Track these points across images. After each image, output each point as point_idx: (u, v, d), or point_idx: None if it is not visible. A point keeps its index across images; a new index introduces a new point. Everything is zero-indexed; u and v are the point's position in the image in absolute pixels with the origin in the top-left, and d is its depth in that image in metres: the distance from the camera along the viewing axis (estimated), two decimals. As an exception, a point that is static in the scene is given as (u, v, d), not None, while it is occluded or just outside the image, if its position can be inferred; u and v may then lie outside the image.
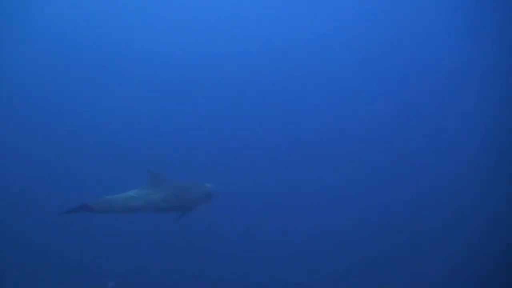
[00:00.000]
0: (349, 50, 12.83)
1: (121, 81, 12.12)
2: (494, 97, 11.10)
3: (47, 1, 12.63)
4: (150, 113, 11.45)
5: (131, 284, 7.81)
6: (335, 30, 13.02)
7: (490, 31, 11.39)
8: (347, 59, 12.67)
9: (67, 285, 7.85)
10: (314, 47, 13.05)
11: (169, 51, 12.69)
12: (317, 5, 13.39)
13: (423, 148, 11.11)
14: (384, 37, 12.72)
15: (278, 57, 12.83)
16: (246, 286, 8.10)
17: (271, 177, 10.24)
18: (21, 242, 8.53)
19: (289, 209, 9.68)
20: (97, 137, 10.60)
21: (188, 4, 13.57)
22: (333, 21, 13.17)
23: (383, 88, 12.19)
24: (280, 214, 9.55)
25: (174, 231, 8.46)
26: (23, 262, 8.27)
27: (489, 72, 11.37)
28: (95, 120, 11.15)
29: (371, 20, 13.02)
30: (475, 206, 9.53)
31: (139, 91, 11.94)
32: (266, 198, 9.77)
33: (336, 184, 10.16)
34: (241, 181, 9.60)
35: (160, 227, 8.58)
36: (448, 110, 11.53)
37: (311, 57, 12.90)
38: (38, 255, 8.37)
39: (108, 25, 12.87)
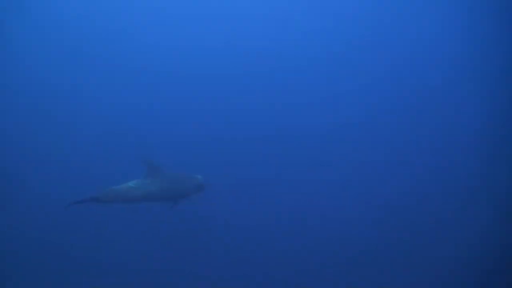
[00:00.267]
0: (349, 48, 12.81)
1: (118, 74, 12.09)
2: (493, 97, 11.10)
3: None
4: (145, 106, 11.50)
5: (131, 283, 7.85)
6: (334, 28, 12.99)
7: (490, 31, 11.38)
8: (345, 56, 12.65)
9: (67, 285, 7.88)
10: (312, 44, 13.01)
11: (166, 44, 12.63)
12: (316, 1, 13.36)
13: (421, 146, 11.11)
14: (382, 34, 12.71)
15: (277, 52, 12.79)
16: (246, 286, 8.11)
17: (266, 173, 10.23)
18: (21, 241, 8.54)
19: (288, 208, 9.69)
20: (92, 129, 10.71)
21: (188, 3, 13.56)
22: (332, 18, 13.13)
23: (381, 87, 12.18)
24: (279, 213, 9.56)
25: (172, 229, 8.62)
26: (23, 262, 8.27)
27: (489, 72, 11.36)
28: (92, 112, 11.19)
29: (369, 17, 12.98)
30: (474, 205, 9.54)
31: (135, 84, 11.94)
32: (265, 196, 9.78)
33: (333, 182, 10.15)
34: (237, 177, 9.66)
35: (158, 226, 8.68)
36: (444, 109, 11.51)
37: (308, 54, 12.86)
38: (37, 255, 8.39)
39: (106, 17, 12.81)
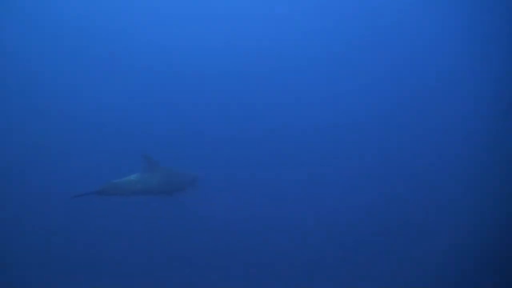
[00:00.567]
0: (348, 48, 12.82)
1: (118, 74, 12.11)
2: (492, 97, 11.11)
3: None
4: (144, 105, 11.55)
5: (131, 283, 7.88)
6: (334, 27, 13.00)
7: (490, 31, 11.39)
8: (345, 56, 12.66)
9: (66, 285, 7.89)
10: (312, 44, 13.03)
11: (167, 41, 12.64)
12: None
13: (420, 146, 11.11)
14: (382, 34, 12.72)
15: (277, 52, 12.80)
16: (246, 286, 8.13)
17: (266, 172, 10.26)
18: (21, 239, 8.57)
19: (287, 207, 9.71)
20: (92, 127, 10.80)
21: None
22: (331, 17, 13.14)
23: (381, 87, 12.19)
24: (279, 213, 9.58)
25: (171, 229, 8.68)
26: (23, 261, 8.29)
27: (489, 72, 11.37)
28: (91, 112, 11.24)
29: (369, 17, 13.00)
30: (474, 205, 9.55)
31: (135, 84, 11.98)
32: (264, 196, 9.81)
33: (333, 182, 10.19)
34: (236, 176, 9.78)
35: (158, 225, 8.73)
36: (444, 110, 11.52)
37: (308, 54, 12.87)
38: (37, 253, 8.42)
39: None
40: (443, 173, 10.29)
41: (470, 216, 9.34)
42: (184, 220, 8.82)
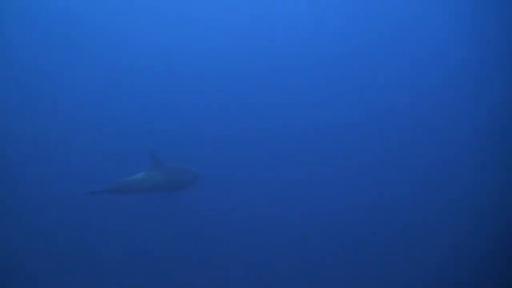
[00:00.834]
0: (349, 48, 12.82)
1: (118, 74, 12.12)
2: (493, 97, 11.11)
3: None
4: (147, 106, 11.57)
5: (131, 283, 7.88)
6: (335, 28, 13.01)
7: (490, 31, 11.39)
8: (345, 56, 12.66)
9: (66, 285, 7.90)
10: (312, 44, 13.03)
11: (171, 40, 12.66)
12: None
13: (420, 146, 11.12)
14: (382, 34, 12.72)
15: (277, 51, 12.80)
16: (246, 286, 8.14)
17: (265, 172, 10.27)
18: (22, 238, 8.57)
19: (287, 207, 9.71)
20: (96, 128, 10.81)
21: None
22: (331, 17, 13.14)
23: (381, 87, 12.19)
24: (278, 212, 9.58)
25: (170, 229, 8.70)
26: (23, 260, 8.29)
27: (489, 72, 11.37)
28: (96, 112, 11.26)
29: (369, 17, 13.00)
30: (474, 205, 9.55)
31: (137, 84, 11.99)
32: (263, 195, 9.81)
33: (333, 182, 10.19)
34: (236, 175, 9.79)
35: (158, 225, 8.75)
36: (444, 110, 11.52)
37: (308, 53, 12.87)
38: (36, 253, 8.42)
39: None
40: (443, 173, 10.28)
41: (470, 216, 9.35)
42: (184, 220, 8.85)
